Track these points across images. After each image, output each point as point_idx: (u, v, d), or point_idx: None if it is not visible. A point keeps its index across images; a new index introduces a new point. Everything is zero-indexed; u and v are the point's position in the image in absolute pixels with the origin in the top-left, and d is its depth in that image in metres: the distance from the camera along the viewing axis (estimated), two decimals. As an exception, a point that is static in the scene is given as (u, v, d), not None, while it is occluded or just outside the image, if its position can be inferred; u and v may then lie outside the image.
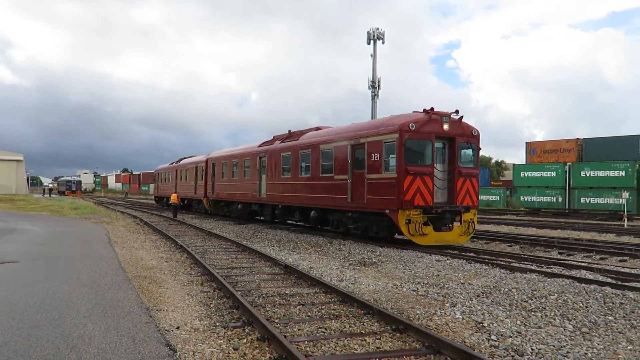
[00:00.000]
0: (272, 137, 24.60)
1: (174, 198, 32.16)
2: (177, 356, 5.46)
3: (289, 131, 22.88)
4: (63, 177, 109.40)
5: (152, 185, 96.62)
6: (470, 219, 15.71)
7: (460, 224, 15.43)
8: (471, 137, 15.89)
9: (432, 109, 15.22)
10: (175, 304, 8.03)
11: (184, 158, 40.85)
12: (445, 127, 15.27)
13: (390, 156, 15.26)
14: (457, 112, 15.51)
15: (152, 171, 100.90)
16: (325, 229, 20.25)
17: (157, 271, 11.06)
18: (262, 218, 25.75)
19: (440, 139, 15.49)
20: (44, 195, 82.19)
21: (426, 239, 14.84)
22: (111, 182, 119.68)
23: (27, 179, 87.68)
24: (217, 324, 6.87)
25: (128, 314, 7.08)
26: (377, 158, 15.65)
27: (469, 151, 15.97)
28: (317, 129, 21.00)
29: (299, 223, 22.69)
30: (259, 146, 24.86)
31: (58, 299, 7.92)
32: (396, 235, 16.68)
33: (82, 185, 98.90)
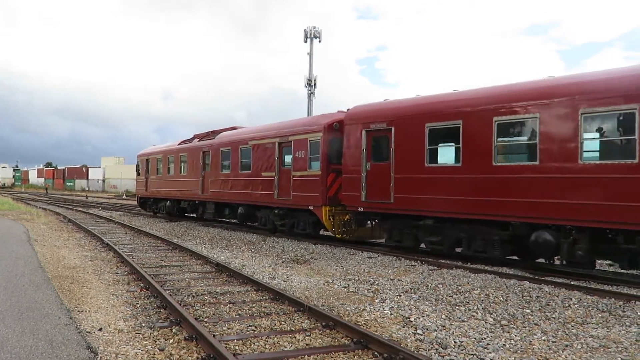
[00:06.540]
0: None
1: None
2: (99, 359, 5.24)
3: None
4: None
5: (77, 181, 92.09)
6: None
7: None
8: None
9: None
10: (98, 304, 7.70)
11: (219, 131, 22.64)
12: None
13: None
14: None
15: (78, 166, 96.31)
16: None
17: (81, 271, 10.56)
18: None
19: None
20: None
21: None
22: (33, 177, 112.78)
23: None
24: (143, 325, 6.65)
25: (46, 316, 6.72)
26: None
27: None
28: None
29: None
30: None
31: (-33, 301, 7.39)
32: None
33: (0, 179, 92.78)
